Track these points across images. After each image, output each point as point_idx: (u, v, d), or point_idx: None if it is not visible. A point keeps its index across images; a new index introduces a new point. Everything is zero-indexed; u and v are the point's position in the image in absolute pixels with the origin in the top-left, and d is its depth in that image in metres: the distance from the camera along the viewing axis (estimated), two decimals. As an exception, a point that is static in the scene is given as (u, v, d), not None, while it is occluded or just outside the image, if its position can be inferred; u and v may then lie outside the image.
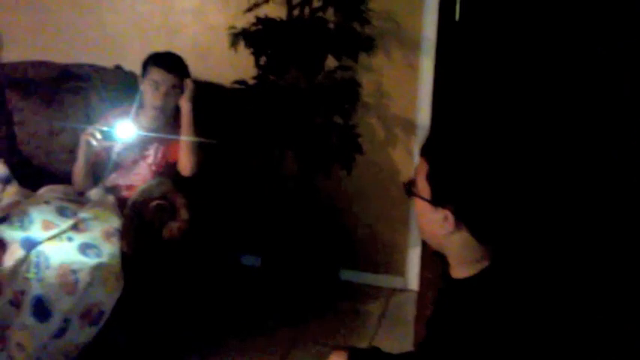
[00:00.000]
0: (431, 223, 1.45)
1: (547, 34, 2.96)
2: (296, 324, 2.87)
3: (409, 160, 3.09)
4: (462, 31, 2.99)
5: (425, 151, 1.46)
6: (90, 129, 2.62)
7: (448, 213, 1.40)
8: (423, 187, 1.43)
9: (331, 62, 2.86)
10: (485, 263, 1.44)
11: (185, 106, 2.67)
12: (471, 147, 1.42)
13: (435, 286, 1.96)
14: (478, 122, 1.50)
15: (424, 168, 1.43)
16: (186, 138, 2.64)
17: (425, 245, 3.01)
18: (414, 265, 3.20)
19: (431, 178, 1.41)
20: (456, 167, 1.40)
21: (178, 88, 2.69)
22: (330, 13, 2.80)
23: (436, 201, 1.41)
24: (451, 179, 1.40)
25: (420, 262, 3.11)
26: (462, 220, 1.40)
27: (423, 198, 1.43)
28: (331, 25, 2.82)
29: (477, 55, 3.03)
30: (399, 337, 2.77)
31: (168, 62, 2.71)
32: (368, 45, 2.86)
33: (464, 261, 1.46)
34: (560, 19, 2.93)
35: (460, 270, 1.47)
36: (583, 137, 3.01)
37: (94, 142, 2.59)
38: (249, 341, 2.75)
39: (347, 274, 3.24)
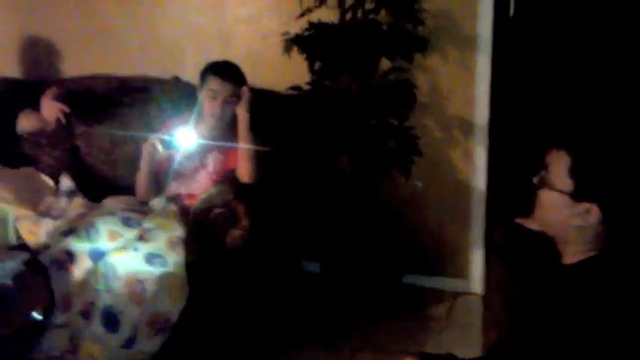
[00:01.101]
0: (566, 216, 1.46)
1: (603, 28, 2.88)
2: (360, 330, 2.86)
3: (468, 161, 3.05)
4: (517, 28, 2.93)
5: (566, 143, 1.46)
6: (151, 139, 2.68)
7: (594, 206, 1.40)
8: (562, 181, 1.44)
9: (385, 64, 2.84)
10: (594, 250, 1.46)
11: (242, 114, 2.69)
12: (616, 141, 1.43)
13: (502, 290, 1.94)
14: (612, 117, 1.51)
15: (565, 160, 1.43)
16: (244, 145, 2.66)
17: (489, 247, 2.98)
18: (476, 267, 3.15)
19: (575, 171, 1.42)
20: (605, 162, 1.40)
21: (235, 97, 2.71)
22: (382, 15, 2.78)
23: (580, 195, 1.42)
24: (599, 174, 1.41)
25: (484, 265, 3.08)
26: (610, 216, 1.41)
27: (563, 192, 1.44)
28: (384, 27, 2.80)
29: (533, 51, 2.96)
30: (465, 341, 2.73)
31: (225, 71, 2.74)
32: (422, 45, 2.83)
33: (581, 249, 1.47)
34: (617, 11, 2.85)
35: (573, 256, 1.48)
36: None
37: (156, 152, 2.64)
38: (312, 348, 2.75)
39: (409, 278, 3.20)
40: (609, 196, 1.42)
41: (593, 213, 1.42)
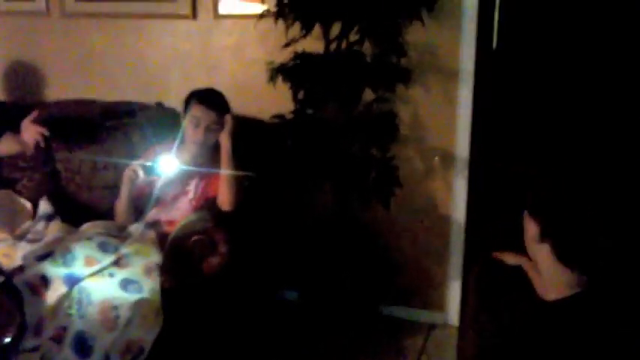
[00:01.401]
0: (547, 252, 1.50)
1: (586, 61, 2.91)
2: (336, 359, 2.84)
3: (448, 192, 3.06)
4: (500, 61, 2.97)
5: (533, 209, 1.51)
6: (133, 165, 2.68)
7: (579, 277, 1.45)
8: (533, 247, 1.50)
9: (369, 95, 2.86)
10: (578, 289, 1.48)
11: (225, 141, 2.69)
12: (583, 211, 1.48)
13: (477, 324, 1.93)
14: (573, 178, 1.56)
15: (534, 229, 1.48)
16: (226, 173, 2.66)
17: (466, 280, 2.98)
18: (454, 300, 3.15)
19: (547, 237, 1.47)
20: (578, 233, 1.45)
21: (218, 124, 2.71)
22: (367, 46, 2.80)
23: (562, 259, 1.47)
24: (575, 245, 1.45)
25: (462, 298, 3.07)
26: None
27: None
28: (368, 58, 2.83)
29: (516, 84, 2.99)
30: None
31: (208, 99, 2.75)
32: (405, 77, 2.85)
33: (563, 285, 1.49)
34: (600, 46, 2.89)
35: (555, 292, 1.51)
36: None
37: (137, 178, 2.63)
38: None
39: (387, 309, 3.20)
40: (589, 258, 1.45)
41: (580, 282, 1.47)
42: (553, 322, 1.49)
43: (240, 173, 2.66)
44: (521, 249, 1.66)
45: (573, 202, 1.49)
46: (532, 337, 1.52)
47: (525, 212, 1.57)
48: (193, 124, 2.72)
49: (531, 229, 1.53)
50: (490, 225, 2.17)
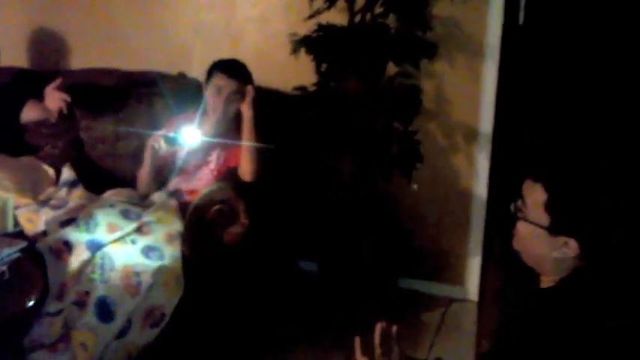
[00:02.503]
0: (543, 247, 1.44)
1: (613, 35, 2.86)
2: (351, 332, 2.84)
3: (470, 167, 3.05)
4: (526, 36, 2.92)
5: (542, 178, 1.43)
6: (156, 135, 2.68)
7: (571, 240, 1.38)
8: (539, 214, 1.41)
9: (392, 68, 2.84)
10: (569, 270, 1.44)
11: (246, 112, 2.68)
12: (592, 176, 1.40)
13: (499, 298, 1.93)
14: (586, 144, 1.50)
15: (541, 195, 1.41)
16: (247, 143, 2.66)
17: (486, 255, 2.97)
18: (473, 274, 3.15)
19: (551, 208, 1.39)
20: (581, 199, 1.38)
21: (240, 94, 2.71)
22: (391, 20, 2.78)
23: (556, 230, 1.40)
24: (576, 211, 1.38)
25: (481, 273, 3.06)
26: (588, 251, 1.39)
27: (539, 225, 1.42)
28: (393, 32, 2.80)
29: (541, 59, 2.95)
30: (458, 348, 2.72)
31: (230, 68, 2.74)
32: (430, 51, 2.83)
33: (559, 275, 1.45)
34: (628, 19, 2.83)
35: (550, 281, 1.47)
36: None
37: (160, 148, 2.64)
38: (305, 348, 2.75)
39: (405, 282, 3.20)
40: (587, 231, 1.39)
41: (571, 247, 1.40)
42: (551, 307, 1.46)
43: (262, 144, 2.66)
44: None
45: (578, 166, 1.44)
46: (537, 320, 1.51)
47: (527, 180, 1.50)
48: (215, 92, 2.72)
49: (536, 194, 1.45)
50: (511, 200, 2.16)
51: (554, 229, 1.40)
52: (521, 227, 1.47)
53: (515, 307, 1.66)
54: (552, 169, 1.46)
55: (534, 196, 1.43)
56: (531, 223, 1.43)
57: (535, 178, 1.45)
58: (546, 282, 1.51)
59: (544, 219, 1.41)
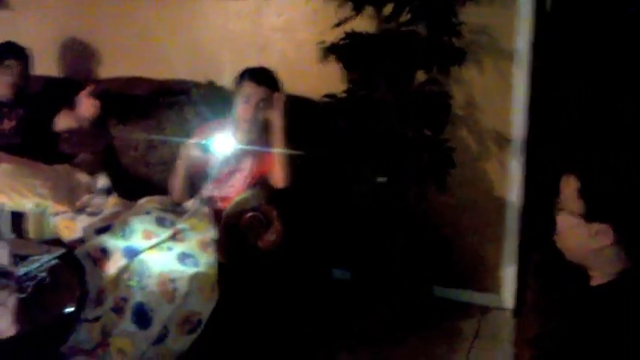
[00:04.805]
0: (581, 237, 1.47)
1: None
2: (387, 341, 2.85)
3: (503, 174, 3.04)
4: (555, 42, 2.92)
5: (575, 169, 1.49)
6: (189, 142, 2.71)
7: (606, 227, 1.42)
8: (574, 203, 1.46)
9: (421, 75, 2.84)
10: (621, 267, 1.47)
11: (276, 119, 2.70)
12: (621, 162, 1.46)
13: (539, 311, 1.92)
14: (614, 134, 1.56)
15: (575, 185, 1.46)
16: (278, 151, 2.68)
17: (522, 263, 2.95)
18: (508, 282, 3.13)
19: (585, 195, 1.44)
20: (611, 185, 1.43)
21: (269, 101, 2.72)
22: (420, 26, 2.78)
23: (591, 216, 1.44)
24: (607, 196, 1.43)
25: (517, 280, 3.04)
26: (623, 235, 1.42)
27: (575, 214, 1.46)
28: (421, 38, 2.80)
29: (571, 65, 2.94)
30: (494, 356, 2.72)
31: (259, 75, 2.76)
32: (459, 57, 2.82)
33: (602, 273, 1.47)
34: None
35: (601, 279, 1.48)
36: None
37: (193, 156, 2.67)
38: (340, 354, 2.76)
39: (440, 291, 3.19)
40: (621, 216, 1.44)
41: (606, 234, 1.43)
42: (601, 308, 1.49)
43: (293, 152, 2.68)
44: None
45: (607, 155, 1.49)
46: (588, 322, 1.51)
47: (563, 176, 1.57)
48: (244, 100, 2.73)
49: (571, 185, 1.52)
50: (546, 209, 2.15)
51: (589, 215, 1.45)
52: (560, 221, 1.53)
53: (559, 314, 1.66)
54: (584, 160, 1.55)
55: (569, 187, 1.50)
56: (568, 213, 1.49)
57: (569, 170, 1.52)
58: (596, 279, 1.53)
59: (579, 207, 1.46)
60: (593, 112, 2.89)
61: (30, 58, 3.14)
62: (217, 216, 2.60)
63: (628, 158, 1.61)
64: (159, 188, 2.89)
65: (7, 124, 3.11)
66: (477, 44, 2.92)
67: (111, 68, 3.55)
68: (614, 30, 2.86)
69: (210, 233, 2.51)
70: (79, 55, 3.60)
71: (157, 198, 2.73)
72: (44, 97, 3.15)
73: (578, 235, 1.50)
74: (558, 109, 2.94)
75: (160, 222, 2.50)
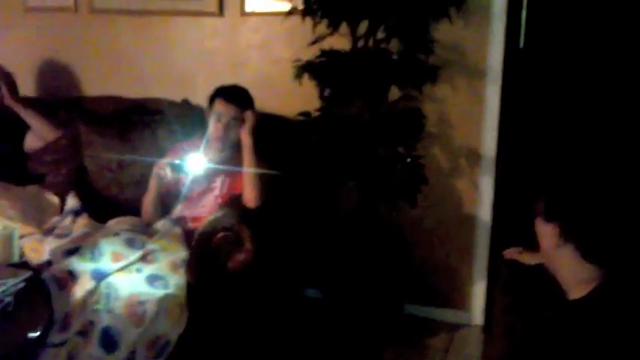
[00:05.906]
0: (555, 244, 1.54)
1: (612, 59, 2.86)
2: (359, 359, 2.82)
3: (474, 191, 3.04)
4: (527, 59, 2.93)
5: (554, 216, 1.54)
6: (161, 162, 2.69)
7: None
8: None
9: (395, 92, 2.85)
10: (595, 283, 1.50)
11: (245, 138, 2.68)
12: (593, 179, 1.52)
13: (504, 323, 1.92)
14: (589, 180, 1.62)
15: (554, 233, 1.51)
16: (249, 170, 2.66)
17: (492, 280, 2.95)
18: (478, 299, 3.13)
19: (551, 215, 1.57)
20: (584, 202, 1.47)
21: (240, 120, 2.71)
22: (394, 44, 2.79)
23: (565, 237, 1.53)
24: (578, 214, 1.47)
25: (486, 297, 3.05)
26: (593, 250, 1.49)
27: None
28: (395, 56, 2.81)
29: (543, 83, 2.95)
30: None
31: (230, 94, 2.76)
32: (432, 75, 2.83)
33: (579, 282, 1.51)
34: (627, 44, 2.84)
35: (576, 291, 1.52)
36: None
37: (165, 175, 2.65)
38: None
39: (411, 308, 3.18)
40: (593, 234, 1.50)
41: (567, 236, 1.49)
42: (579, 321, 1.49)
43: (264, 170, 2.66)
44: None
45: (594, 202, 1.51)
46: (559, 336, 1.51)
47: (538, 219, 1.60)
48: (216, 119, 2.73)
49: (549, 233, 1.56)
50: (516, 225, 2.17)
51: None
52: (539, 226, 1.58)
53: (525, 332, 1.68)
54: (554, 178, 1.61)
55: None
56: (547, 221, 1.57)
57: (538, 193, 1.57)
58: (573, 290, 1.56)
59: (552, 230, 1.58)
60: (564, 131, 2.92)
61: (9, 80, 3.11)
62: (188, 236, 2.58)
63: (599, 176, 1.62)
64: (131, 208, 2.86)
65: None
66: (450, 61, 2.93)
67: (86, 87, 3.53)
68: (586, 47, 2.88)
69: (181, 254, 2.49)
70: (54, 76, 3.57)
71: (127, 219, 2.71)
72: (14, 117, 3.10)
73: (552, 242, 1.55)
74: (529, 127, 2.96)
75: (130, 243, 2.47)
